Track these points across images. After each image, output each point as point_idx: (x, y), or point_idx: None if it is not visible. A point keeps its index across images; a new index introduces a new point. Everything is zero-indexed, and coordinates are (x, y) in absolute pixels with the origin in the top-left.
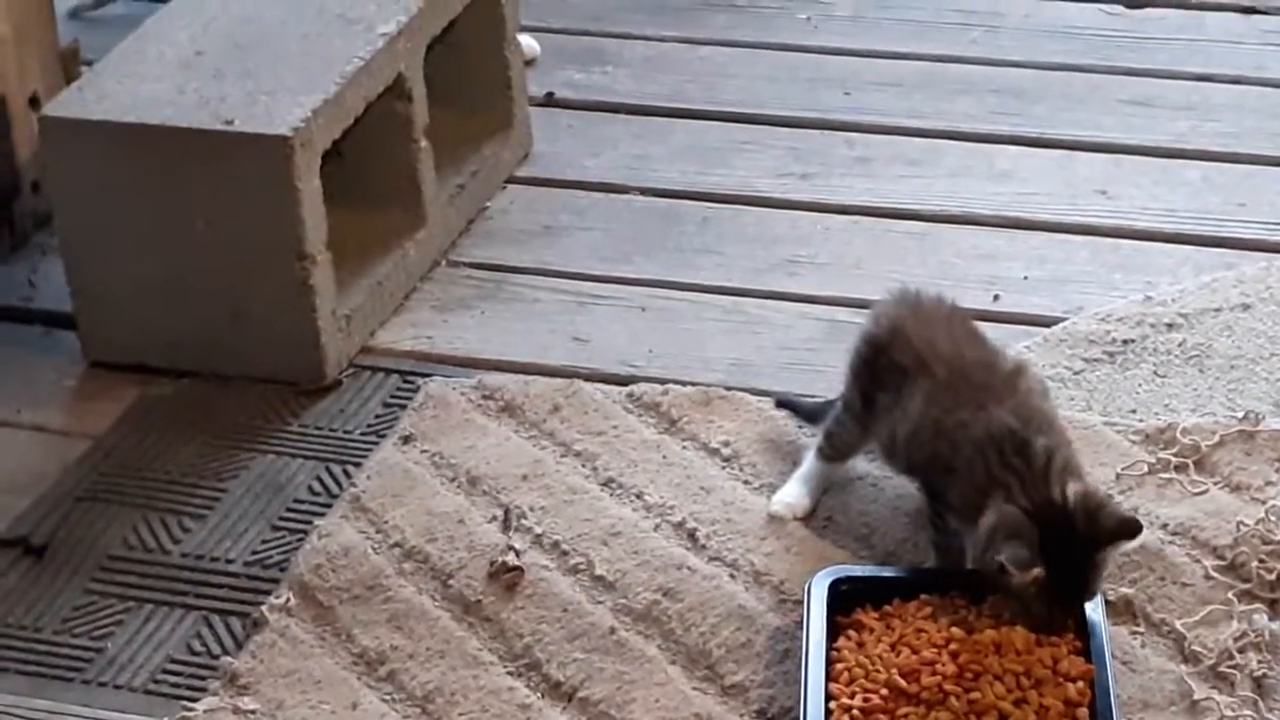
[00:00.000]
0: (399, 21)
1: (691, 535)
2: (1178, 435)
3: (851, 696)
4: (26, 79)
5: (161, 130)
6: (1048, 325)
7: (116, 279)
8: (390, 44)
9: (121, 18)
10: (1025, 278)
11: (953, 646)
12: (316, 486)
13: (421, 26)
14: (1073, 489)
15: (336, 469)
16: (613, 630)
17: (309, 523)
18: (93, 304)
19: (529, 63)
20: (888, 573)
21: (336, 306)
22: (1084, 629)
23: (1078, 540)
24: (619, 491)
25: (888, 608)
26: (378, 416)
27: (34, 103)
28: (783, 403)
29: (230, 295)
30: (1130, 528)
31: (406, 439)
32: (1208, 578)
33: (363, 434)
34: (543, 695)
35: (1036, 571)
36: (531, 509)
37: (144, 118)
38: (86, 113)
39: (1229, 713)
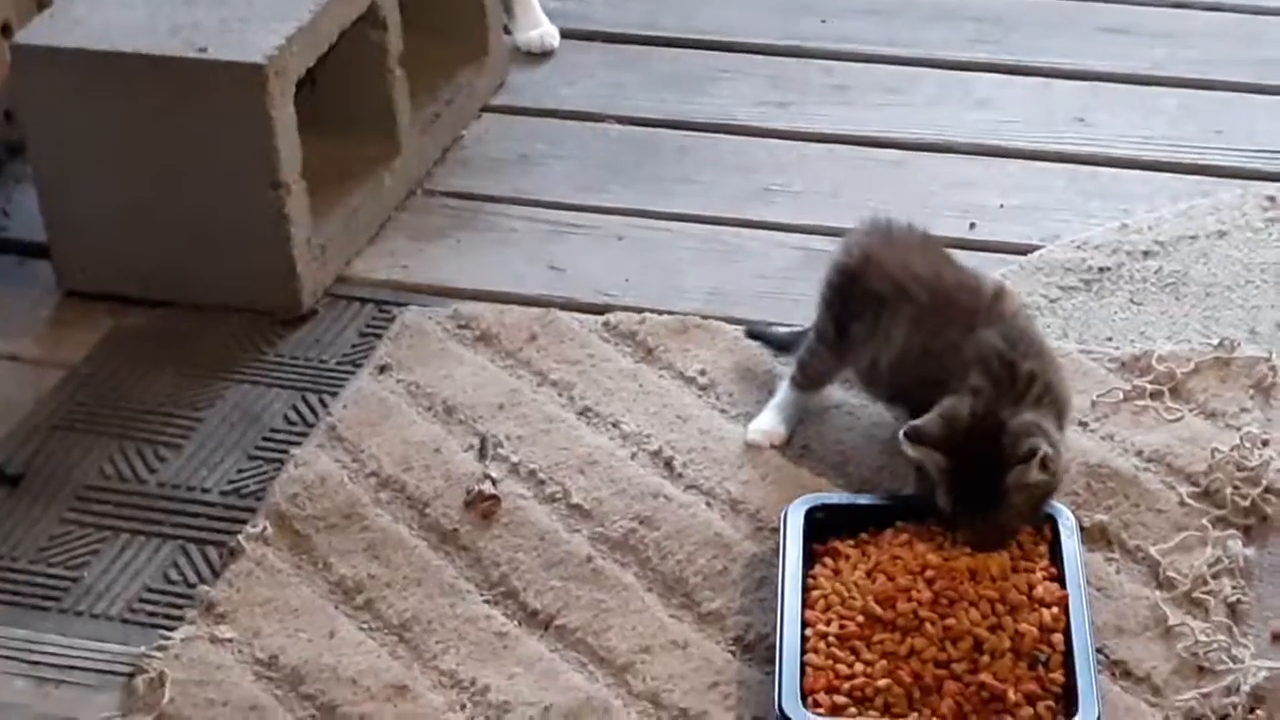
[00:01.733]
0: None
1: (668, 464)
2: (1153, 363)
3: (828, 624)
4: None
5: (134, 58)
6: (1024, 253)
7: (90, 208)
8: None
9: None
10: (1001, 206)
11: (928, 573)
12: (292, 416)
13: None
14: (1021, 419)
15: (312, 398)
16: (589, 558)
17: (285, 452)
18: (66, 233)
19: (544, 54)
20: (863, 500)
21: (311, 235)
22: (1059, 555)
23: (983, 454)
24: (595, 420)
25: (863, 535)
26: (353, 346)
27: (5, 30)
28: (753, 333)
29: (205, 224)
30: (1023, 456)
31: (382, 368)
32: (1182, 504)
33: (338, 363)
34: (519, 623)
35: (937, 459)
36: (508, 438)
37: (116, 45)
38: (58, 40)
39: (1203, 638)
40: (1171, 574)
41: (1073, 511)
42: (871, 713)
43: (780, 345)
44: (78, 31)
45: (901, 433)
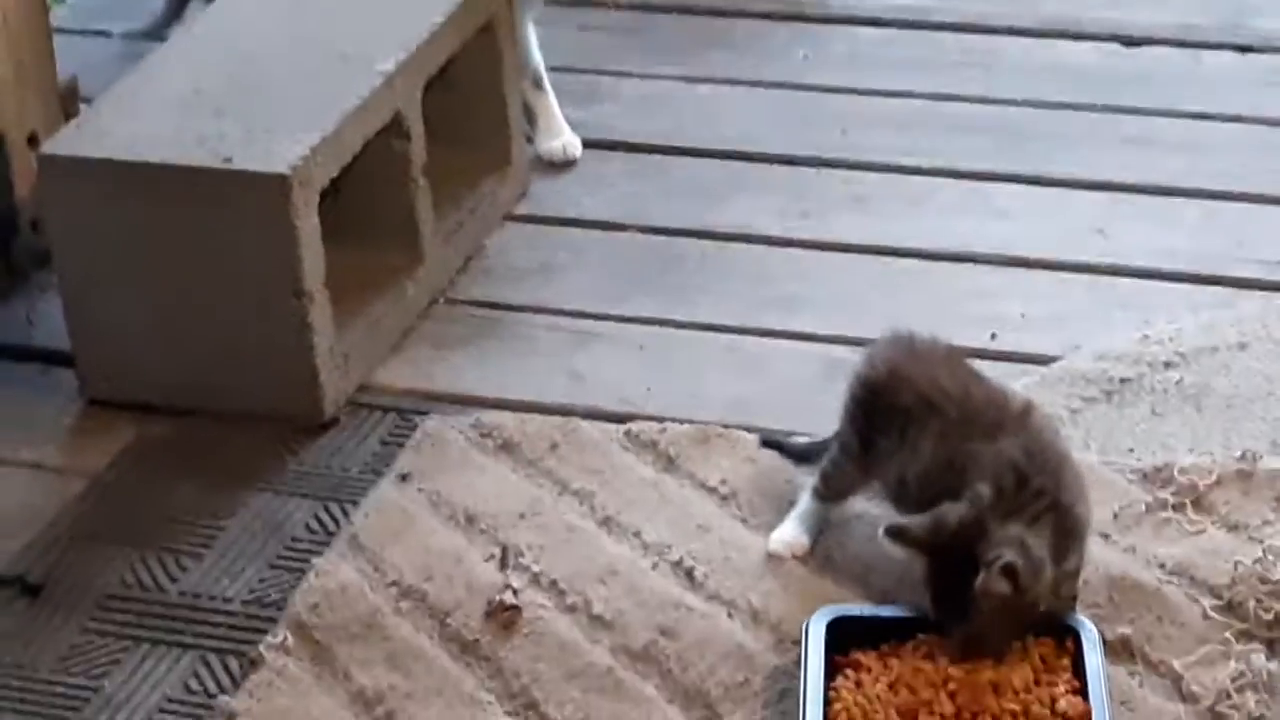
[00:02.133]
0: (397, 60)
1: (689, 574)
2: (1175, 474)
3: None
4: (25, 117)
5: (160, 168)
6: (1045, 364)
7: (114, 317)
8: (389, 82)
9: (122, 54)
10: (1023, 316)
11: (951, 686)
12: (314, 524)
13: (420, 65)
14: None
15: (334, 507)
16: (610, 669)
17: (306, 561)
18: (90, 342)
19: (567, 164)
20: (885, 612)
21: (334, 344)
22: (1082, 668)
23: (960, 561)
24: (616, 530)
25: (885, 647)
26: (375, 454)
27: (33, 141)
28: (769, 442)
29: (228, 333)
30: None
31: (404, 477)
32: (1205, 617)
33: (360, 472)
34: None
35: (918, 560)
36: (529, 547)
37: (143, 155)
38: (85, 150)
39: None
40: (1195, 688)
41: (1095, 624)
42: None
43: (800, 456)
44: (105, 142)
45: (883, 529)
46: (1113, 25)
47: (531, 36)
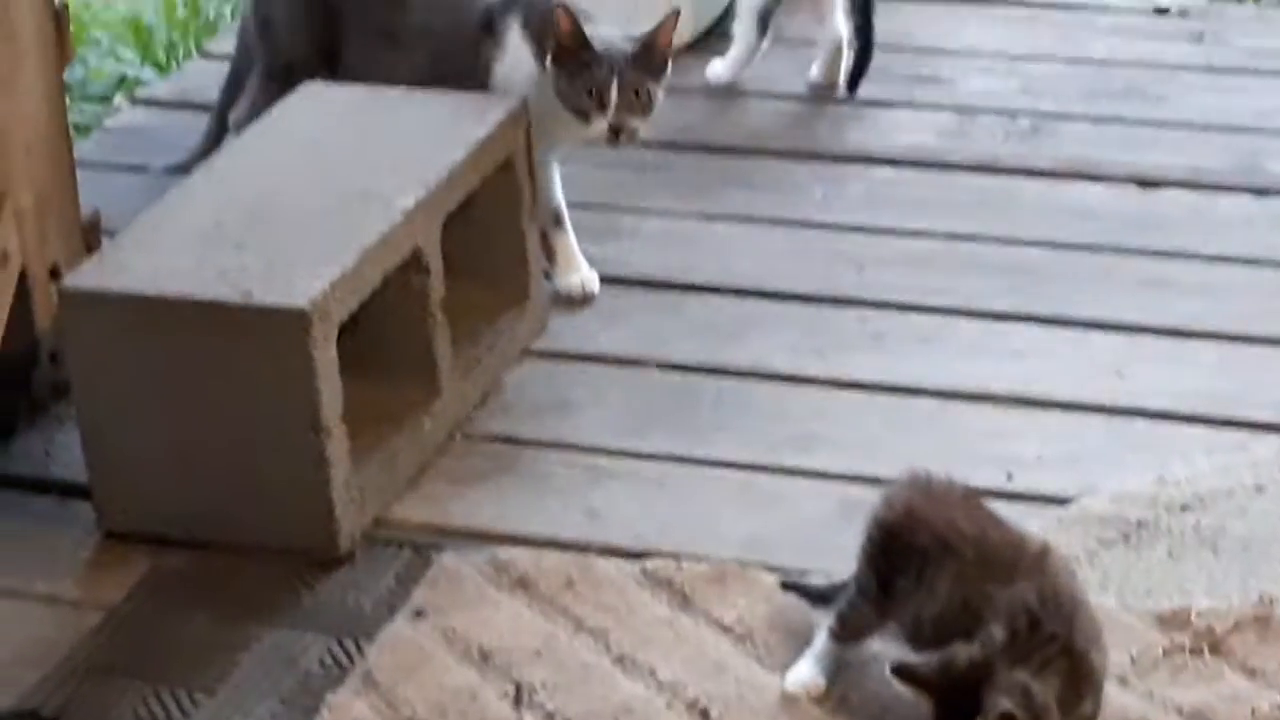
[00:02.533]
0: (417, 196)
1: (704, 714)
2: (1192, 618)
3: None
4: (47, 249)
5: (180, 302)
6: (1061, 505)
7: (132, 449)
8: (408, 218)
9: (145, 188)
10: (1039, 456)
11: None
12: (327, 660)
13: (439, 202)
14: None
15: (348, 643)
16: None
17: (320, 697)
18: (108, 474)
19: (585, 299)
20: None
21: (350, 479)
22: None
23: (964, 704)
24: (631, 668)
25: None
26: (390, 590)
27: (54, 273)
28: (789, 584)
29: (245, 466)
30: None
31: (419, 613)
32: None
33: (375, 607)
34: None
35: (923, 700)
36: (544, 685)
37: (163, 289)
38: (105, 284)
39: None
40: None
41: None
42: None
43: (817, 597)
44: (125, 275)
45: (890, 667)
46: (1128, 168)
47: (555, 174)
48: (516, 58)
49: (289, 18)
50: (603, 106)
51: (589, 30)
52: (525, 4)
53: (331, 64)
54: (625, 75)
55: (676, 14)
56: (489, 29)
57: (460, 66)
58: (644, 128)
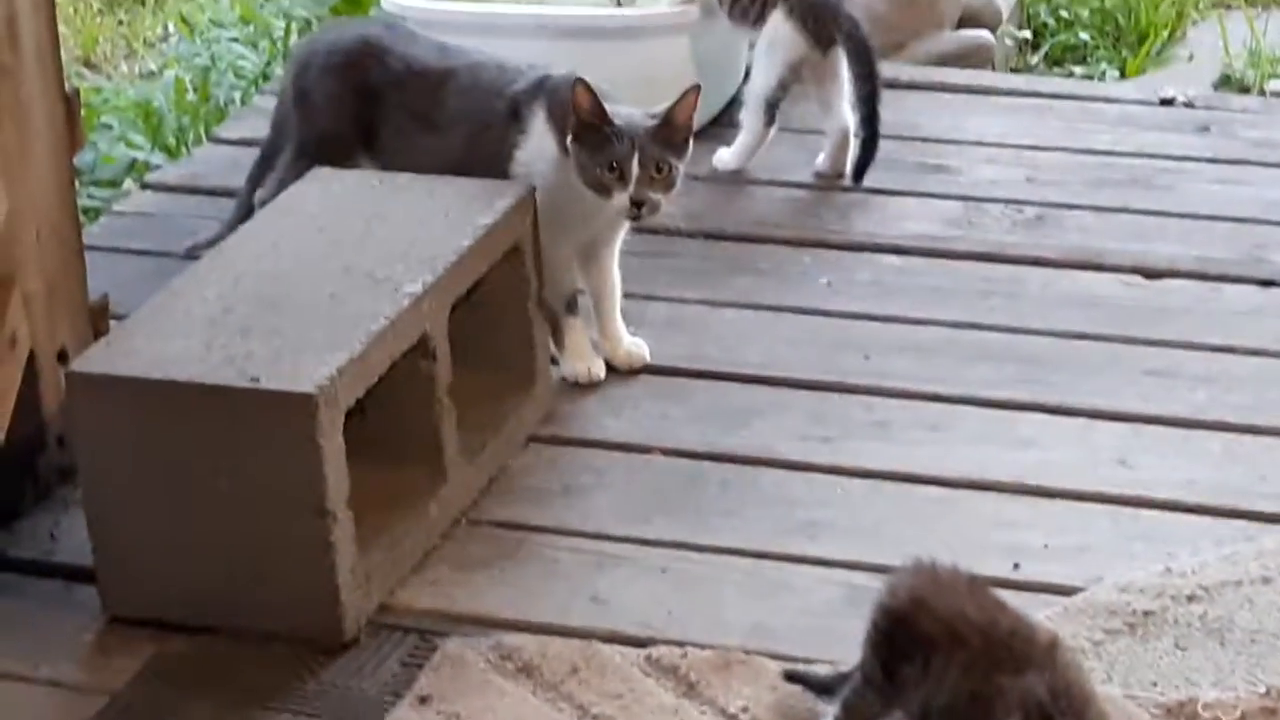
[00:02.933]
0: (425, 281)
1: None
2: (1199, 709)
3: None
4: (55, 333)
5: (187, 387)
6: (1068, 594)
7: (138, 534)
8: (416, 304)
9: (153, 272)
10: (1045, 546)
11: None
12: None
13: (447, 287)
14: None
15: None
16: None
17: None
18: (113, 558)
19: (638, 371)
20: None
21: (356, 564)
22: None
23: None
24: None
25: None
26: (395, 675)
27: (62, 357)
28: (792, 675)
29: (250, 551)
30: None
31: (423, 699)
32: None
33: (379, 693)
34: None
35: None
36: None
37: (170, 374)
38: (113, 368)
39: None
40: None
41: None
42: None
43: (823, 688)
44: (133, 359)
45: None
46: (1134, 257)
47: (572, 261)
48: (540, 145)
49: (327, 92)
50: (623, 180)
51: (608, 106)
52: (550, 92)
53: (367, 141)
54: (646, 149)
55: (697, 89)
56: (515, 116)
57: (488, 152)
58: (666, 203)
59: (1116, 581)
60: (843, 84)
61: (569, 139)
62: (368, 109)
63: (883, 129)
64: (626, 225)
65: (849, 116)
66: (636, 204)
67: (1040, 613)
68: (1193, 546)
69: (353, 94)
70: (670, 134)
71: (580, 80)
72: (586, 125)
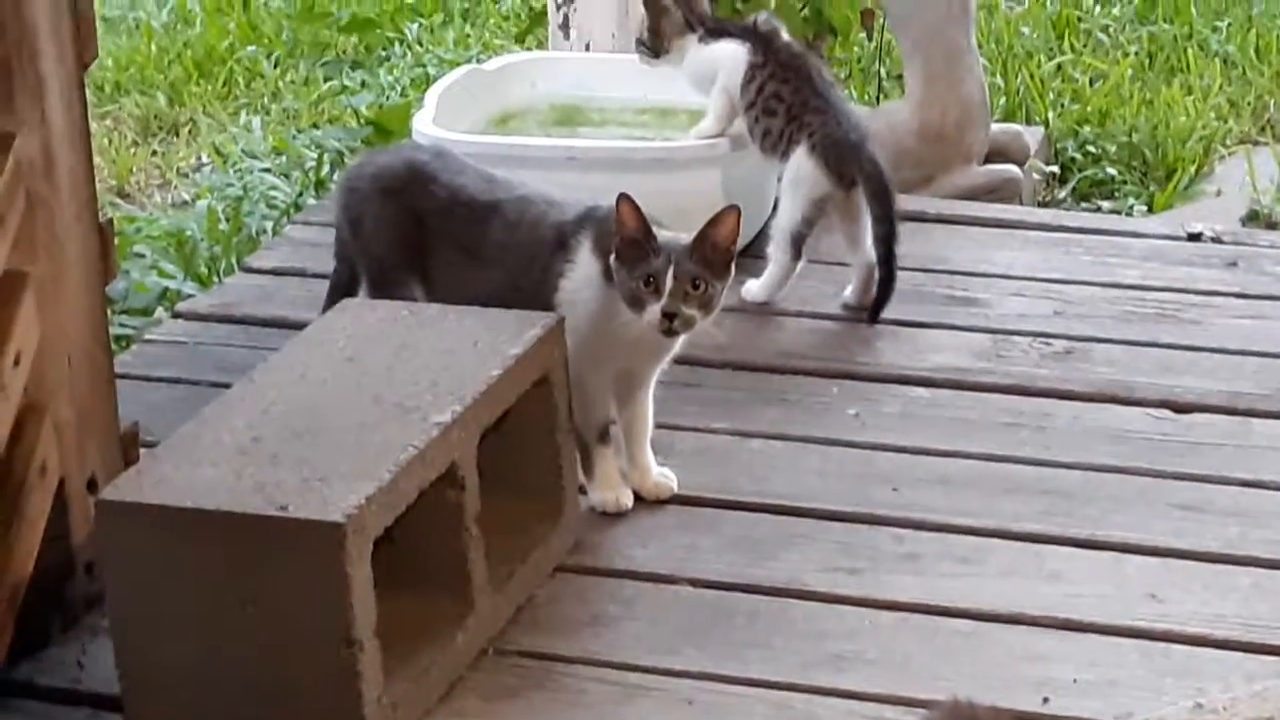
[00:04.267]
0: (454, 411)
1: None
2: None
3: None
4: (85, 462)
5: (216, 515)
6: None
7: (165, 662)
8: (445, 433)
9: (183, 400)
10: (1075, 680)
11: None
12: None
13: (476, 416)
14: None
15: None
16: None
17: None
18: (140, 687)
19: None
20: None
21: (383, 694)
22: None
23: None
24: None
25: None
26: None
27: (92, 485)
28: None
29: (278, 680)
30: None
31: None
32: None
33: None
34: None
35: None
36: None
37: (199, 503)
38: (142, 497)
39: None
40: None
41: None
42: None
43: None
44: (162, 488)
45: None
46: (1163, 391)
47: (609, 391)
48: (585, 274)
49: (377, 217)
50: (657, 293)
51: (651, 227)
52: (597, 222)
53: (420, 269)
54: (682, 264)
55: (737, 210)
56: (561, 245)
57: (533, 281)
58: (704, 323)
59: (1147, 717)
60: (867, 220)
61: (612, 258)
62: (417, 236)
63: (911, 262)
64: (666, 359)
65: (874, 251)
66: (668, 316)
67: None
68: (1224, 682)
69: (402, 219)
70: (708, 252)
71: (625, 195)
72: (629, 242)
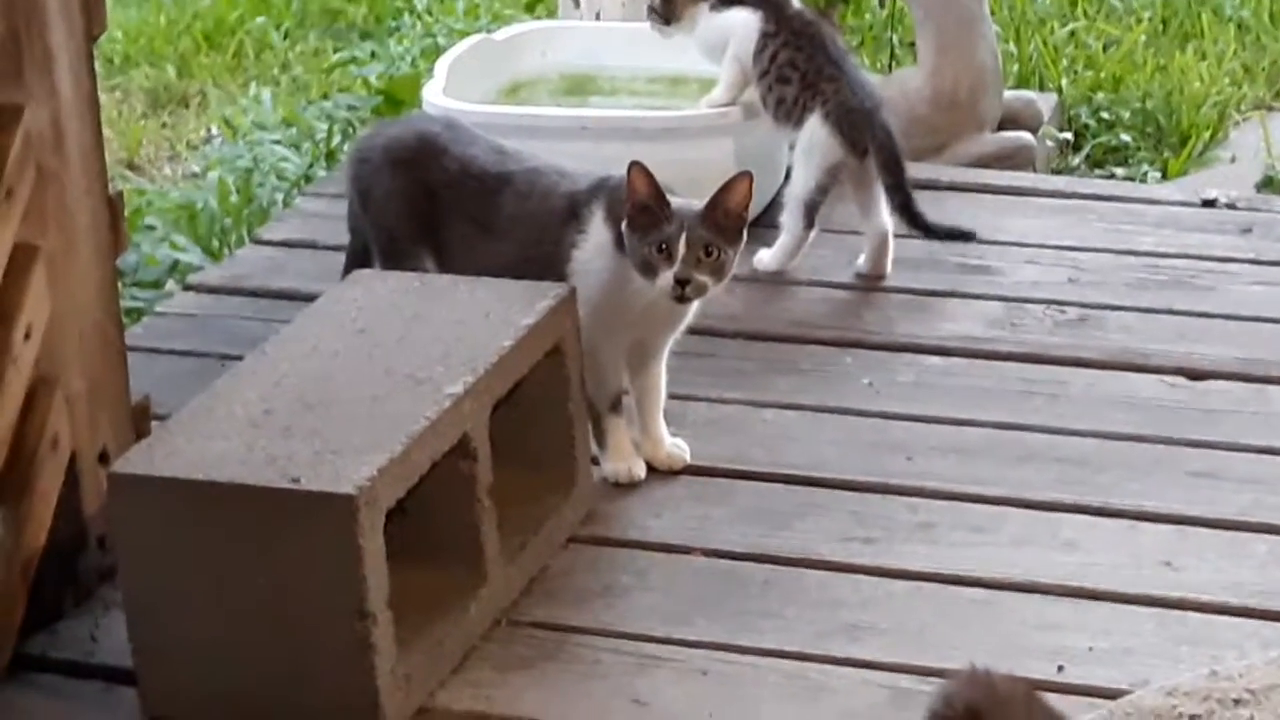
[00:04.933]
0: (466, 383)
1: None
2: None
3: None
4: (97, 434)
5: (228, 488)
6: (1112, 698)
7: (178, 635)
8: (457, 405)
9: (195, 372)
10: (1090, 649)
11: None
12: None
13: (488, 387)
14: None
15: None
16: None
17: None
18: (153, 660)
19: (679, 471)
20: None
21: (396, 665)
22: None
23: None
24: None
25: None
26: None
27: (103, 458)
28: None
29: (290, 653)
30: None
31: None
32: None
33: None
34: None
35: None
36: None
37: (211, 475)
38: (154, 469)
39: None
40: None
41: None
42: None
43: None
44: (174, 461)
45: None
46: (1178, 359)
47: (622, 361)
48: (597, 244)
49: (386, 189)
50: (670, 260)
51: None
52: (609, 191)
53: (431, 241)
54: (694, 230)
55: (749, 176)
56: (574, 215)
57: (544, 252)
58: (716, 289)
59: (1162, 685)
60: (880, 188)
61: (624, 225)
62: (429, 207)
63: (928, 220)
64: (679, 329)
65: (887, 219)
66: (681, 282)
67: (1085, 716)
68: (1239, 650)
69: (412, 191)
70: (720, 218)
71: (637, 163)
72: (640, 208)
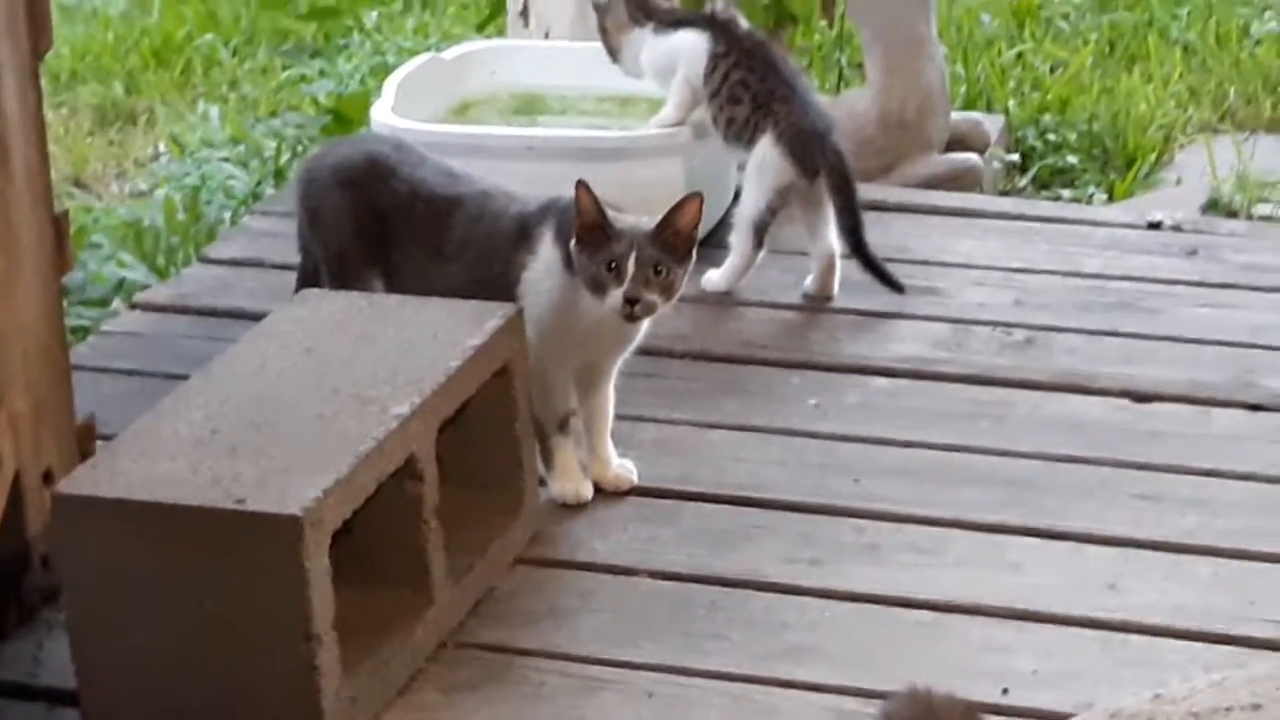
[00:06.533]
0: (412, 403)
1: None
2: None
3: None
4: (41, 454)
5: (173, 509)
6: None
7: (122, 656)
8: (403, 425)
9: (140, 392)
10: (1034, 671)
11: None
12: None
13: (435, 408)
14: None
15: None
16: None
17: None
18: (97, 681)
19: (626, 492)
20: None
21: (341, 687)
22: None
23: None
24: None
25: None
26: None
27: (48, 478)
28: None
29: (235, 674)
30: None
31: None
32: None
33: None
34: None
35: None
36: None
37: (156, 496)
38: (99, 490)
39: None
40: None
41: None
42: None
43: None
44: (118, 481)
45: None
46: (1123, 381)
47: (570, 382)
48: (546, 263)
49: (335, 209)
50: (619, 278)
51: (609, 210)
52: (559, 212)
53: (380, 262)
54: (644, 250)
55: (700, 196)
56: (524, 236)
57: (495, 274)
58: (664, 308)
59: (1106, 708)
60: (829, 210)
61: (573, 244)
62: (378, 228)
63: (872, 250)
64: (627, 349)
65: (835, 241)
66: (630, 301)
67: None
68: (1183, 673)
69: (362, 212)
70: (670, 238)
71: (582, 182)
72: (588, 227)
